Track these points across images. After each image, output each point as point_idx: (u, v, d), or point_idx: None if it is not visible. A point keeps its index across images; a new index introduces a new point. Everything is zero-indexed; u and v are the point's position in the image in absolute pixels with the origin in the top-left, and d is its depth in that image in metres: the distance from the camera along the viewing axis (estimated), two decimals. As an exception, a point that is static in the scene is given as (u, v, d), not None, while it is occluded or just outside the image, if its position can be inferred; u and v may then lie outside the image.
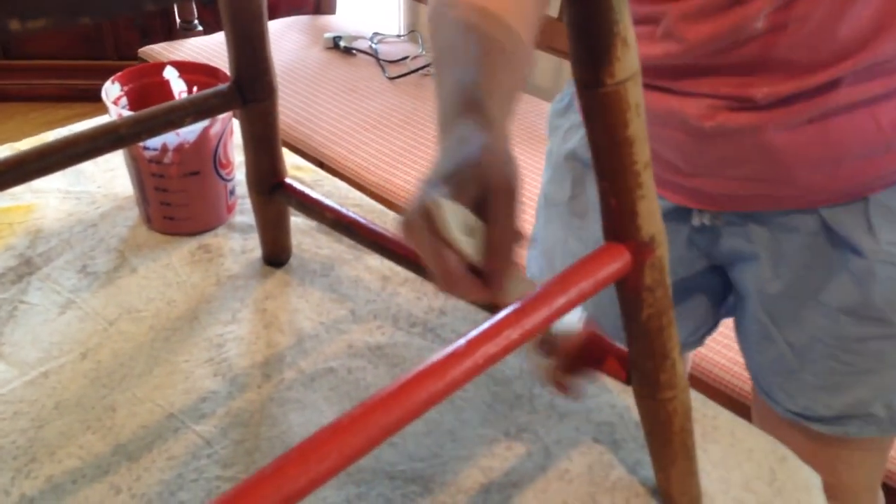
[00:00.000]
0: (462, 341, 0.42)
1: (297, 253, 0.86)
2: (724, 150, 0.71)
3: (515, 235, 0.45)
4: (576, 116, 0.85)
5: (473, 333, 0.43)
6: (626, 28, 0.43)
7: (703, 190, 0.75)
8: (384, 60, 2.09)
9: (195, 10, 2.42)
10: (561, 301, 0.46)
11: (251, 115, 0.68)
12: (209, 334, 0.76)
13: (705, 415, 0.70)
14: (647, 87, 0.62)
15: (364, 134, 1.79)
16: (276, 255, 0.84)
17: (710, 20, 0.65)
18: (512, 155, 0.48)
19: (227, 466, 0.64)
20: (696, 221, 0.79)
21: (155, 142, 0.81)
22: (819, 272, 0.74)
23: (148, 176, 0.84)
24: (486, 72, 0.52)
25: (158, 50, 2.18)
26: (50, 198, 0.94)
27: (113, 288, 0.81)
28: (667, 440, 0.57)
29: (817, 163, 0.69)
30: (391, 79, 2.01)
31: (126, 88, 0.87)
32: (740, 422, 0.69)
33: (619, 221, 0.49)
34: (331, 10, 2.51)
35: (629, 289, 0.51)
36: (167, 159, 0.82)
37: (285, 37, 2.28)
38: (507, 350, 0.44)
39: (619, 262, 0.49)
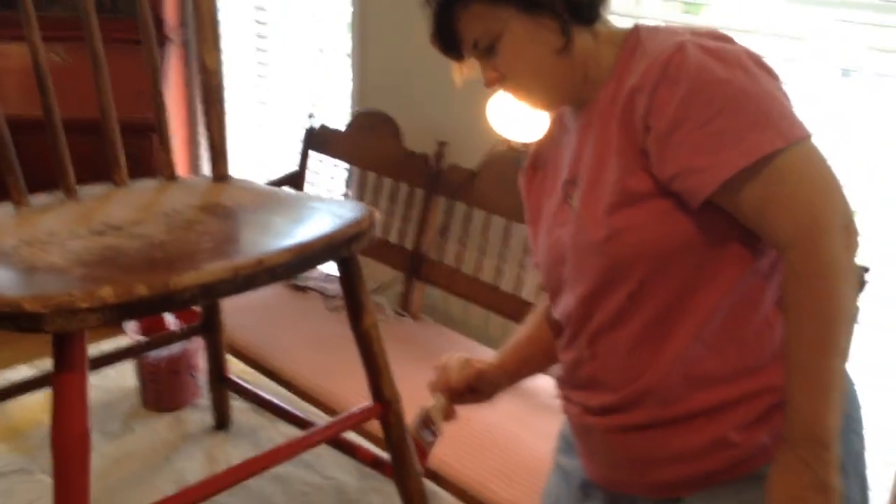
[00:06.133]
0: (235, 465, 0.97)
1: (235, 421, 1.41)
2: (592, 442, 0.92)
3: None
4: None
5: (256, 455, 0.98)
6: (368, 301, 1.03)
7: (598, 471, 0.93)
8: (327, 296, 2.72)
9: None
10: (327, 434, 1.02)
11: (207, 339, 1.27)
12: (172, 463, 1.30)
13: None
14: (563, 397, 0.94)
15: (305, 351, 2.36)
16: (221, 421, 1.39)
17: (566, 351, 0.91)
18: None
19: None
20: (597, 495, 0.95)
21: (155, 355, 1.38)
22: None
23: (147, 374, 1.41)
24: None
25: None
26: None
27: (118, 441, 1.35)
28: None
29: (624, 463, 0.88)
30: (329, 310, 2.62)
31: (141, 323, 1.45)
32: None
33: (373, 389, 1.06)
34: (292, 253, 3.18)
35: (385, 427, 1.07)
36: (162, 364, 1.39)
37: (253, 275, 2.90)
38: (272, 463, 0.99)
39: (372, 411, 1.05)
